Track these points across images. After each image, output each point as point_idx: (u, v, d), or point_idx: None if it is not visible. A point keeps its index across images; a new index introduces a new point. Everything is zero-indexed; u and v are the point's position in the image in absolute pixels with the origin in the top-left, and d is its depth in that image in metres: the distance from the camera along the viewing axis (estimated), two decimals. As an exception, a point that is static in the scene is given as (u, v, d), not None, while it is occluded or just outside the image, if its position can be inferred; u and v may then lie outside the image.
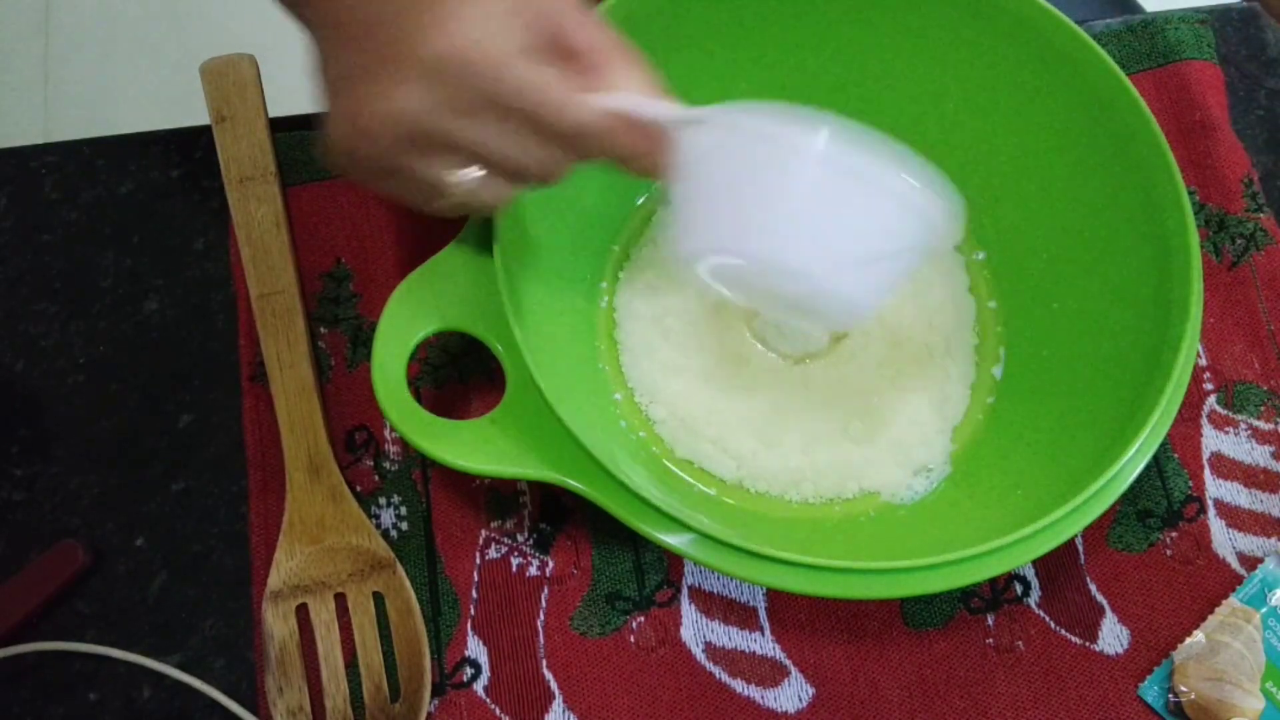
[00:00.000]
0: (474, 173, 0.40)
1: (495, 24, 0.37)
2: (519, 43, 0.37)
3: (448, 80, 0.37)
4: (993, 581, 0.50)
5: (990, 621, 0.49)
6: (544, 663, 0.48)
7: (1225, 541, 0.51)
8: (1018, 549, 0.42)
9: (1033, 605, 0.50)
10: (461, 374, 0.53)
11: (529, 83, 0.37)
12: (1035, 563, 0.50)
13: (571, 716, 0.47)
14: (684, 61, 0.52)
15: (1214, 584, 0.50)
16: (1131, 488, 0.45)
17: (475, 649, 0.48)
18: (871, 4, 0.52)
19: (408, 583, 0.48)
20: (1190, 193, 0.55)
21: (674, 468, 0.51)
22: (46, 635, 0.48)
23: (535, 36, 0.38)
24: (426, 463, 0.51)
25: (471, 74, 0.37)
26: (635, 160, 0.41)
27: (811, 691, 0.48)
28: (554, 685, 0.48)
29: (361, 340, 0.53)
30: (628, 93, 0.39)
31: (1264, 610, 0.49)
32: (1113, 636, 0.49)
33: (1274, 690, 0.47)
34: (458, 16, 0.36)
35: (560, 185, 0.50)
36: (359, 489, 0.50)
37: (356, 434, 0.52)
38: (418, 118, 0.37)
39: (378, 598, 0.48)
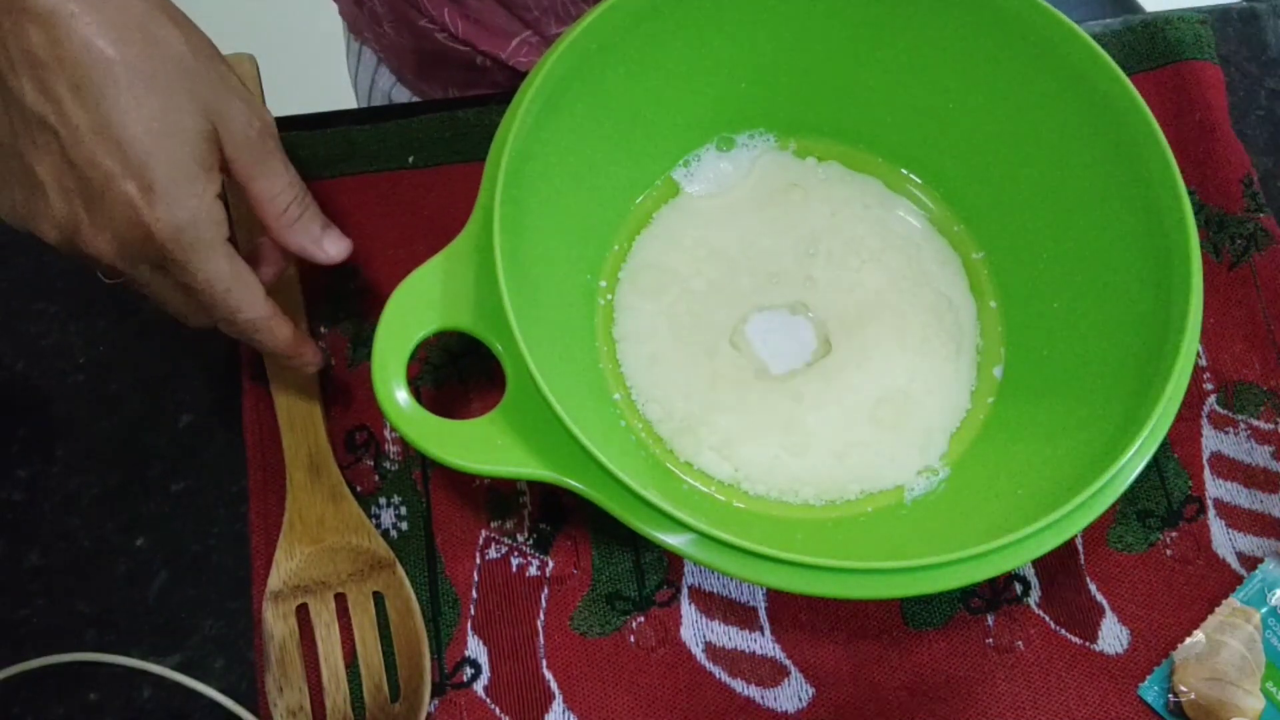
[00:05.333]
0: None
1: (204, 212, 0.41)
2: (222, 232, 0.42)
3: (151, 248, 0.40)
4: (993, 581, 0.50)
5: (990, 621, 0.49)
6: (544, 663, 0.48)
7: (1225, 541, 0.51)
8: (1018, 549, 0.42)
9: (1033, 605, 0.50)
10: (461, 374, 0.53)
11: (219, 279, 0.42)
12: (1035, 563, 0.50)
13: (571, 716, 0.47)
14: (686, 59, 0.52)
15: (1214, 584, 0.50)
16: (1131, 488, 0.45)
17: (475, 649, 0.48)
18: (872, 5, 0.52)
19: (408, 583, 0.48)
20: (1190, 193, 0.55)
21: (673, 468, 0.51)
22: (46, 637, 0.48)
23: (226, 212, 0.42)
24: (426, 463, 0.51)
25: (174, 255, 0.41)
26: (286, 358, 0.47)
27: (811, 691, 0.48)
28: (554, 685, 0.48)
29: (361, 340, 0.53)
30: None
31: (1264, 610, 0.49)
32: (1113, 636, 0.49)
33: (1274, 690, 0.47)
34: (168, 199, 0.40)
35: (560, 183, 0.50)
36: (359, 489, 0.50)
37: (356, 434, 0.52)
38: (111, 261, 0.41)
39: (378, 598, 0.48)
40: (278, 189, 0.44)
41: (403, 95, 0.74)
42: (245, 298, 0.43)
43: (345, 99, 0.82)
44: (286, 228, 0.45)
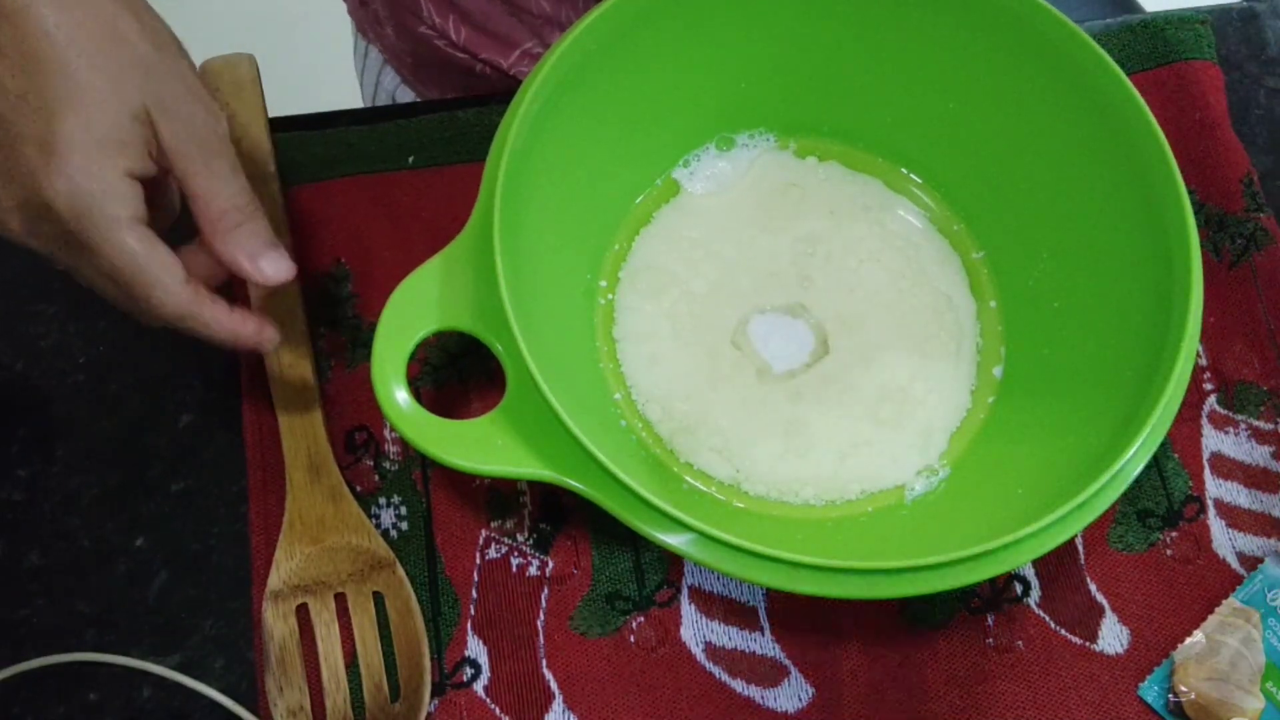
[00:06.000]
0: None
1: (107, 184, 0.38)
2: (127, 209, 0.39)
3: (52, 220, 0.38)
4: (993, 581, 0.50)
5: (990, 621, 0.49)
6: (544, 663, 0.48)
7: (1225, 541, 0.51)
8: (1018, 549, 0.42)
9: (1033, 605, 0.50)
10: (461, 374, 0.53)
11: (125, 259, 0.39)
12: (1035, 563, 0.50)
13: (571, 716, 0.47)
14: (686, 59, 0.52)
15: (1214, 584, 0.50)
16: (1131, 488, 0.45)
17: (475, 649, 0.48)
18: (872, 5, 0.52)
19: (408, 583, 0.48)
20: (1190, 193, 0.55)
21: (673, 468, 0.51)
22: (46, 637, 0.48)
23: (142, 192, 0.40)
24: (426, 463, 0.51)
25: (73, 228, 0.38)
26: (236, 345, 0.44)
27: (811, 691, 0.48)
28: (554, 685, 0.48)
29: (361, 340, 0.53)
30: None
31: (1264, 610, 0.49)
32: (1113, 636, 0.49)
33: (1274, 690, 0.47)
34: (68, 167, 0.38)
35: (560, 183, 0.50)
36: (359, 489, 0.50)
37: (356, 434, 0.52)
38: (25, 241, 0.40)
39: (378, 598, 0.48)
40: (218, 191, 0.42)
41: (408, 95, 0.74)
42: (158, 281, 0.40)
43: (346, 99, 0.82)
44: (222, 234, 0.42)
